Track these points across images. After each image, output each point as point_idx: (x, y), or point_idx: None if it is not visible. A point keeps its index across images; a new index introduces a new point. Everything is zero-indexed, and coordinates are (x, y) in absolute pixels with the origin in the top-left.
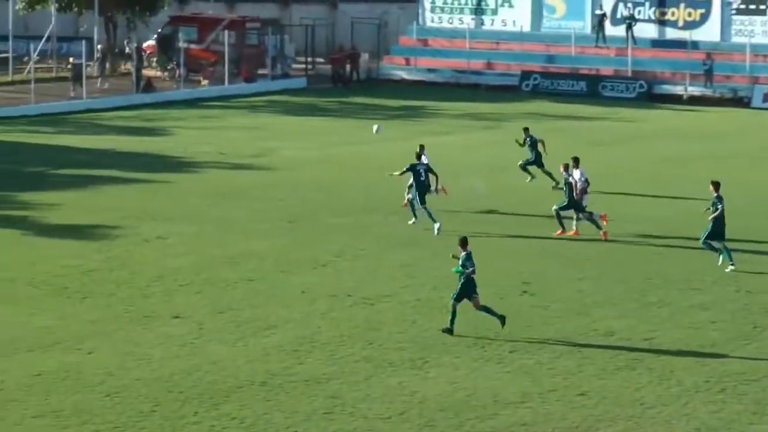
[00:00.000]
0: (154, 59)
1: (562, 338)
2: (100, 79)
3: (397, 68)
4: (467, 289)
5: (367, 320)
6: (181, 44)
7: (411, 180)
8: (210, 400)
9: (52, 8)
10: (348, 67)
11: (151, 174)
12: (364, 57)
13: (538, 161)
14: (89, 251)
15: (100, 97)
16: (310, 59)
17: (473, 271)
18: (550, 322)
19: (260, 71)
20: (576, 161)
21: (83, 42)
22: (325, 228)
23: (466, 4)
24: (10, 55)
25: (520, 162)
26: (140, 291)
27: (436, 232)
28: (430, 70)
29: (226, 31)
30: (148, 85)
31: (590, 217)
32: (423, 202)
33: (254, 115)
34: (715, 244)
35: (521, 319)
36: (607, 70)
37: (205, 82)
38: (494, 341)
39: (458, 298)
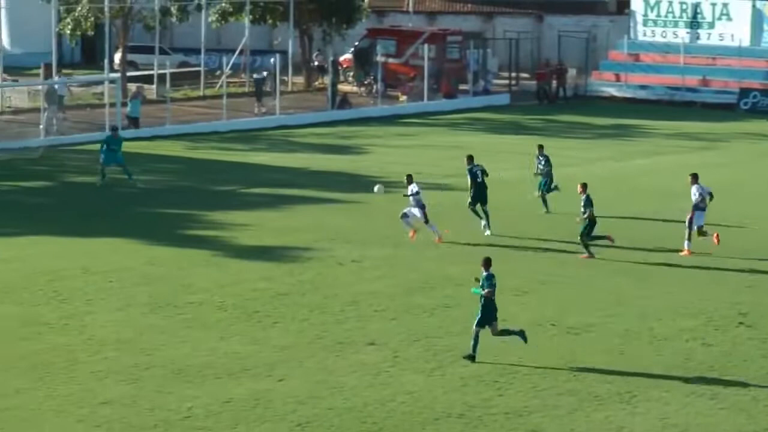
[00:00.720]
0: (350, 74)
1: None
2: (271, 96)
3: (606, 84)
4: (489, 313)
5: (571, 351)
6: (379, 58)
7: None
8: None
9: (246, 20)
10: (554, 83)
11: (345, 194)
12: (572, 72)
13: (548, 183)
14: (280, 274)
15: (294, 114)
16: (513, 74)
17: (491, 293)
18: None
19: (461, 87)
20: (695, 177)
21: (277, 55)
22: (528, 253)
23: (681, 16)
24: (202, 68)
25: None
26: (333, 316)
27: (486, 233)
28: (642, 87)
29: (426, 45)
30: (344, 101)
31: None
32: (478, 203)
33: (454, 132)
34: None
35: (737, 351)
36: None
37: (403, 98)
38: (707, 375)
39: (480, 324)
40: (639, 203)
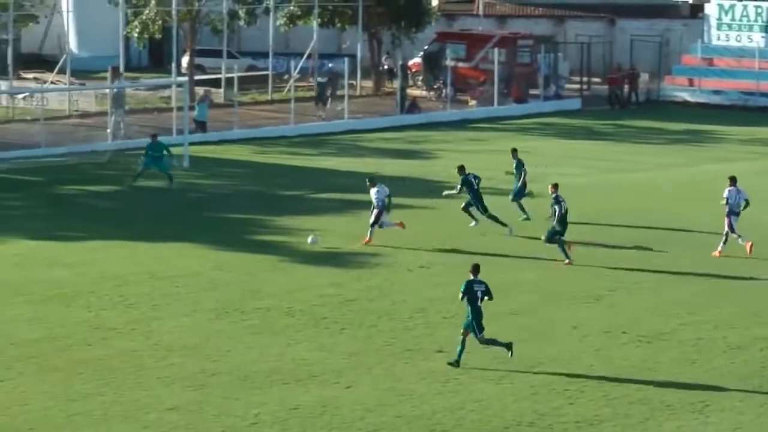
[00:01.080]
0: (420, 78)
1: None
2: (329, 101)
3: (679, 89)
4: (478, 318)
5: (643, 359)
6: (449, 62)
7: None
8: None
9: (314, 24)
10: (626, 87)
11: (414, 199)
12: (644, 77)
13: (520, 191)
14: (348, 280)
15: (362, 118)
16: (585, 79)
17: (461, 297)
18: None
19: (532, 91)
20: (732, 180)
21: (345, 60)
22: (598, 260)
23: (756, 20)
24: (269, 72)
25: (510, 195)
26: (402, 323)
27: (509, 233)
28: (716, 92)
29: (496, 49)
30: (413, 105)
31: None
32: (485, 210)
33: (524, 137)
34: None
35: None
36: None
37: (472, 102)
38: None
39: (480, 329)
40: (710, 210)
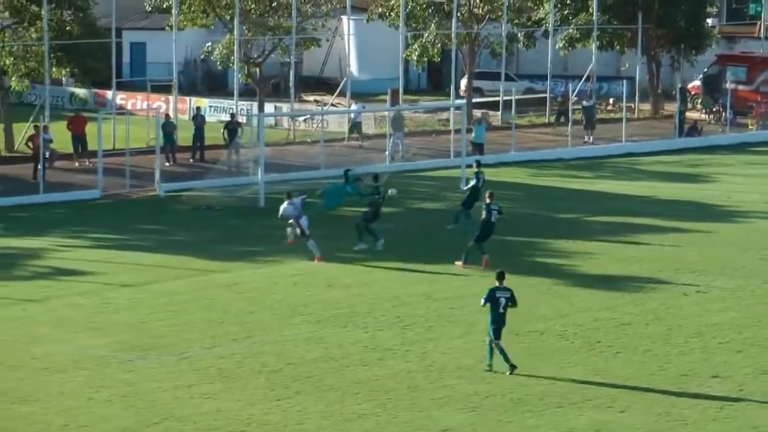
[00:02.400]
0: (699, 101)
1: None
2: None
3: None
4: (499, 324)
5: None
6: (728, 85)
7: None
8: None
9: (593, 47)
10: None
11: (691, 223)
12: None
13: (470, 201)
14: (623, 303)
15: (640, 141)
16: None
17: (483, 304)
18: None
19: None
20: None
21: (624, 82)
22: None
23: None
24: (547, 95)
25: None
26: (677, 348)
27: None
28: None
29: None
30: (693, 129)
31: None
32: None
33: None
34: None
35: None
36: None
37: (753, 125)
38: None
39: (497, 336)
40: None
